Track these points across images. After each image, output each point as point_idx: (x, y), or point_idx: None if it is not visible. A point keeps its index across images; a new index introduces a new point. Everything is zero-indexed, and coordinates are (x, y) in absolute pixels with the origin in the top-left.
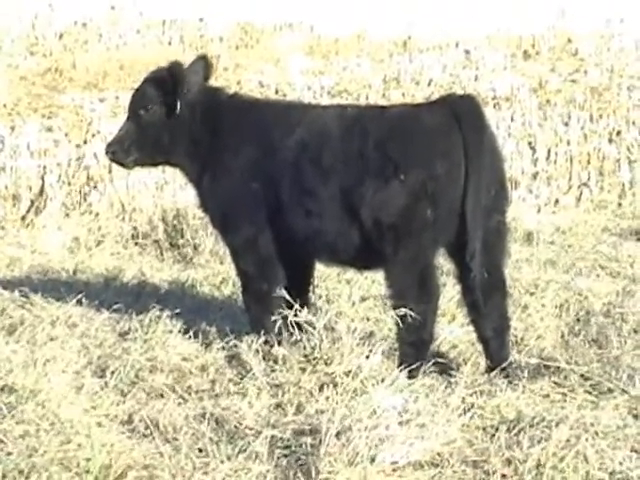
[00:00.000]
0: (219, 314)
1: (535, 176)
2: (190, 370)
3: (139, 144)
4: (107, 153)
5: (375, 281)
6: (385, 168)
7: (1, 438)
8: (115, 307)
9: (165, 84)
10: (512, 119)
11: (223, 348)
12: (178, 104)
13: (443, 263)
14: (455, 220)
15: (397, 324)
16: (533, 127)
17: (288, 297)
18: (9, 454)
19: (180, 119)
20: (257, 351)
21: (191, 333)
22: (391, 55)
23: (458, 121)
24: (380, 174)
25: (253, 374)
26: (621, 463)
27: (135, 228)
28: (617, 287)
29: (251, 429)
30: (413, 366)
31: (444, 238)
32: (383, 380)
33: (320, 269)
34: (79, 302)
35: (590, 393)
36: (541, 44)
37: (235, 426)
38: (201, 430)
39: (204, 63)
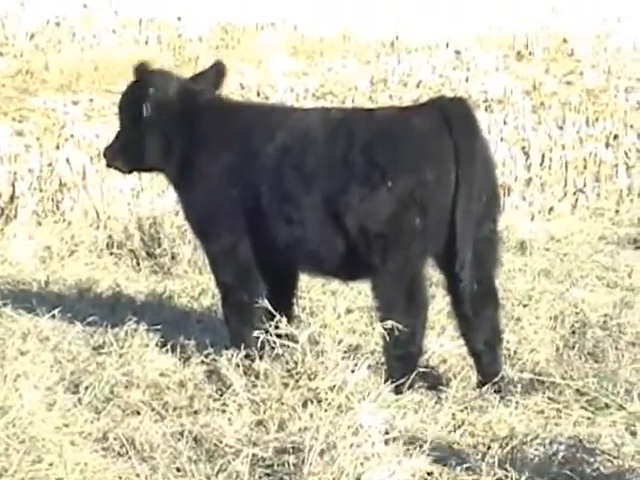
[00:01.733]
0: (198, 327)
1: (529, 182)
2: (168, 386)
3: (123, 149)
4: (104, 157)
5: (361, 292)
6: (372, 174)
7: None
8: (89, 320)
9: (133, 87)
10: (505, 122)
11: (202, 362)
12: (144, 107)
13: (432, 273)
14: (445, 229)
15: (384, 337)
16: (527, 131)
17: (270, 308)
18: None
19: (152, 123)
20: (237, 366)
21: (169, 347)
22: (378, 56)
23: (448, 125)
24: (367, 180)
25: (233, 390)
26: None
27: (110, 237)
28: (614, 298)
29: (231, 447)
30: (401, 381)
31: (433, 247)
32: (369, 395)
33: (304, 280)
34: (51, 314)
35: (586, 409)
36: (535, 44)
37: (215, 444)
38: (179, 448)
39: (216, 69)
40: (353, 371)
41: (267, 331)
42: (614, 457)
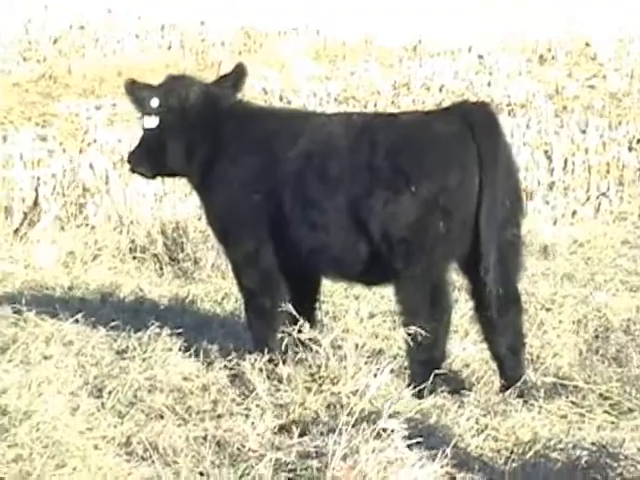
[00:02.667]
0: (221, 331)
1: (551, 186)
2: (191, 390)
3: (147, 154)
4: (128, 162)
5: (384, 297)
6: (395, 179)
7: None
8: (112, 324)
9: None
10: (527, 126)
11: (225, 367)
12: (167, 113)
13: (455, 278)
14: (469, 233)
15: (407, 341)
16: (549, 135)
17: (293, 313)
18: (1, 479)
19: (175, 128)
20: (260, 370)
21: (192, 351)
22: (401, 60)
23: (472, 130)
24: (390, 185)
25: (256, 394)
26: None
27: (133, 241)
28: (638, 302)
29: (254, 452)
30: (423, 385)
31: (457, 252)
32: (392, 400)
33: (327, 284)
34: (75, 319)
35: (609, 413)
36: (558, 48)
37: (238, 448)
38: (202, 453)
39: (237, 72)
40: (376, 375)
41: (290, 335)
42: (638, 462)
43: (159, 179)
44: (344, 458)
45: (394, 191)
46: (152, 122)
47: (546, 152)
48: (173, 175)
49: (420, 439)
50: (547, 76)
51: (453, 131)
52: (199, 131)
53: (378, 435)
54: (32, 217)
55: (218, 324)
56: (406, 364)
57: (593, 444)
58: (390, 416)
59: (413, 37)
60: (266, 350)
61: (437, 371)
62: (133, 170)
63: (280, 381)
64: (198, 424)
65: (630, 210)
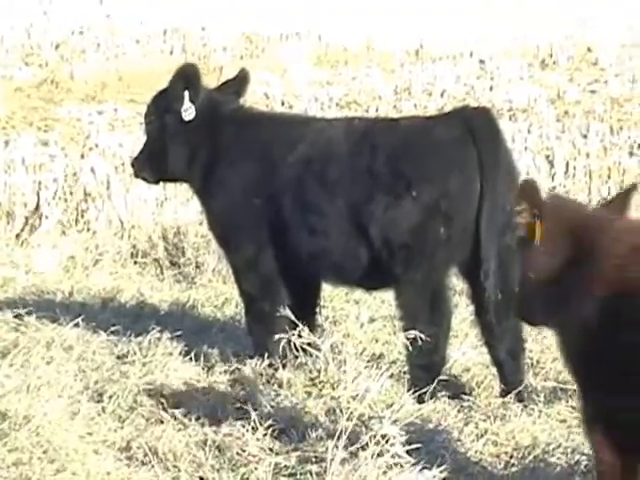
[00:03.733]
0: (221, 336)
1: (553, 191)
2: (191, 395)
3: (150, 160)
4: (132, 167)
5: (384, 301)
6: (396, 184)
7: None
8: (113, 329)
9: (161, 97)
10: (529, 131)
11: (225, 371)
12: (171, 117)
13: (454, 282)
14: (469, 238)
15: (407, 346)
16: (551, 140)
17: (293, 318)
18: None
19: (177, 133)
20: (261, 374)
21: (192, 356)
22: (402, 65)
23: (472, 135)
24: (391, 190)
25: (256, 399)
26: None
27: (134, 246)
28: None
29: (254, 456)
30: (423, 390)
31: (457, 257)
32: (392, 404)
33: (327, 289)
34: (75, 324)
35: None
36: (559, 53)
37: (237, 453)
38: (202, 457)
39: (240, 77)
40: (376, 380)
41: (290, 340)
42: None
43: (160, 184)
44: (343, 463)
45: (395, 196)
46: (191, 114)
47: (547, 157)
48: (175, 180)
49: (420, 444)
50: (549, 81)
51: (454, 136)
52: (201, 136)
53: (378, 440)
54: (33, 222)
55: (218, 329)
56: (406, 369)
57: None
58: (390, 421)
59: (414, 41)
60: (266, 355)
61: (437, 376)
62: (137, 175)
63: (280, 386)
64: (198, 429)
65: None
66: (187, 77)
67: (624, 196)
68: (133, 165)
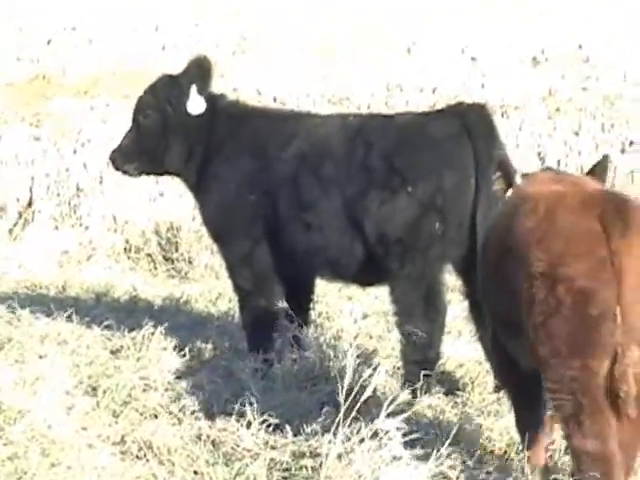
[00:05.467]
0: (215, 331)
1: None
2: (185, 389)
3: (135, 153)
4: (110, 160)
5: (378, 297)
6: (391, 180)
7: None
8: (107, 323)
9: (162, 89)
10: (520, 129)
11: (219, 366)
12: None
13: (448, 279)
14: (464, 234)
15: (402, 342)
16: (542, 137)
17: (287, 313)
18: None
19: (170, 127)
20: (255, 369)
21: (186, 351)
22: (395, 62)
23: (467, 131)
24: (386, 186)
25: (251, 393)
26: None
27: (127, 241)
28: None
29: (249, 451)
30: (418, 385)
31: (452, 253)
32: (386, 400)
33: (321, 284)
34: (69, 318)
35: None
36: (551, 51)
37: (232, 448)
38: (196, 452)
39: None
40: (370, 375)
41: (284, 335)
42: None
43: (153, 179)
44: (339, 457)
45: (390, 192)
46: (200, 107)
47: (539, 154)
48: (161, 174)
49: (415, 439)
50: (540, 78)
51: (449, 132)
52: (200, 130)
53: (373, 435)
54: (26, 217)
55: (212, 323)
56: (400, 364)
57: None
58: (384, 416)
59: (407, 39)
60: (260, 350)
61: (431, 371)
62: (117, 168)
63: (274, 381)
64: (192, 423)
65: None
66: (202, 69)
67: (601, 165)
68: (112, 159)
